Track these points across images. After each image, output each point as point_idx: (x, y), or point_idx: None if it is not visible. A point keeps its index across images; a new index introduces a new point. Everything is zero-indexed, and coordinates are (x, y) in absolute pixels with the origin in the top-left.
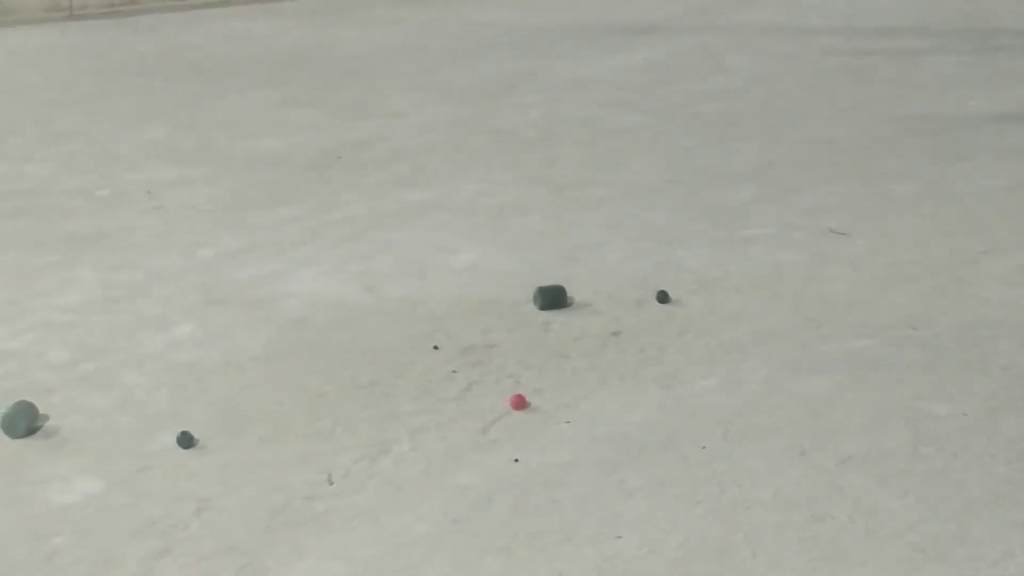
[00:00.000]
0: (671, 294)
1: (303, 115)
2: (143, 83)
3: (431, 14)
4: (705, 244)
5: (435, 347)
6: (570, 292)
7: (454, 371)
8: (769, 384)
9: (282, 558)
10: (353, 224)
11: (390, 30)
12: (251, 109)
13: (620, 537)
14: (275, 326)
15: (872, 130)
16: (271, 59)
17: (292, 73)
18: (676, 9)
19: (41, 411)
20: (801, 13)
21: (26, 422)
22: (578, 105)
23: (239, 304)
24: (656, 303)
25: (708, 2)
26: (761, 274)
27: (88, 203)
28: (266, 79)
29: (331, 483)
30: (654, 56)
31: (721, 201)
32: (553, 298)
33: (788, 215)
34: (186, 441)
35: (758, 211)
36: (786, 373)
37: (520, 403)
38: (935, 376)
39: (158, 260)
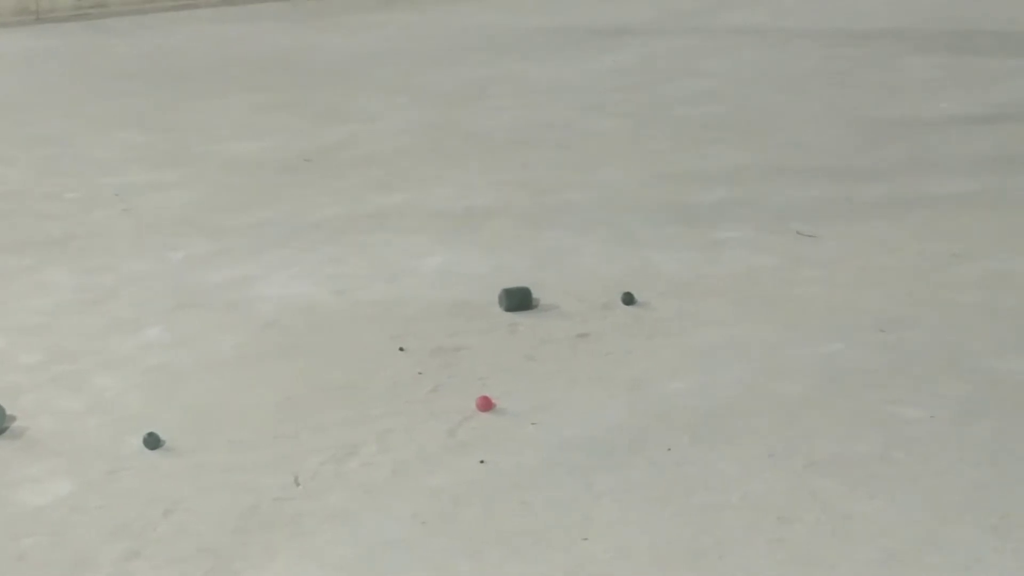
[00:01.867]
0: (642, 297)
1: (277, 119)
2: (117, 87)
3: (407, 18)
4: (677, 247)
5: (400, 348)
6: (541, 295)
7: (421, 373)
8: (739, 387)
9: (252, 560)
10: (326, 227)
11: (366, 34)
12: (225, 113)
13: (588, 540)
14: (246, 329)
15: (845, 133)
16: (245, 63)
17: (266, 77)
18: (651, 13)
19: (13, 412)
20: (776, 16)
21: None
22: (553, 109)
23: (211, 307)
24: (622, 305)
25: (683, 5)
26: (733, 277)
27: (62, 206)
28: (240, 83)
29: (298, 484)
30: (629, 60)
31: (694, 204)
32: (519, 300)
33: (761, 218)
34: (152, 442)
35: (731, 214)
36: (756, 376)
37: (487, 405)
38: (906, 380)
39: (131, 263)
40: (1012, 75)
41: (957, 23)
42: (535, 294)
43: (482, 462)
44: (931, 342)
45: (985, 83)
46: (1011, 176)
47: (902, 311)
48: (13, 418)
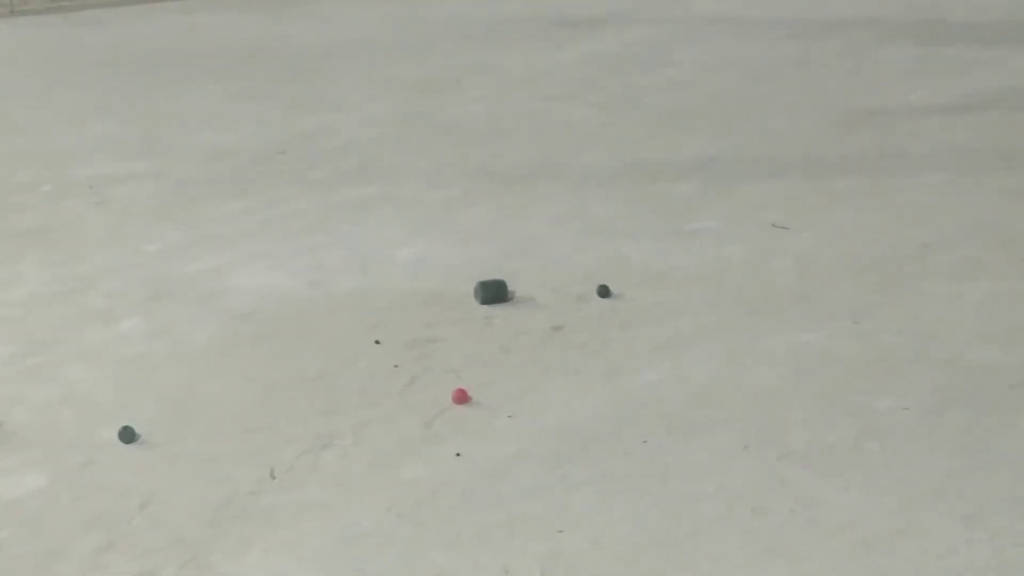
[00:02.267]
0: (616, 288)
1: (251, 109)
2: (90, 77)
3: (379, 7)
4: (651, 237)
5: (376, 341)
6: (515, 286)
7: (397, 365)
8: (713, 378)
9: (228, 552)
10: (300, 218)
11: (338, 24)
12: (199, 103)
13: (564, 531)
14: (221, 320)
15: (818, 123)
16: (219, 53)
17: (240, 67)
18: (625, 2)
19: None
20: (749, 5)
21: None
22: (526, 98)
23: (185, 298)
24: (597, 297)
25: None
26: (706, 267)
27: (35, 197)
28: (214, 73)
29: (273, 477)
30: (602, 49)
31: (667, 194)
32: (494, 292)
33: (734, 208)
34: (128, 436)
35: (704, 204)
36: (730, 367)
37: (462, 397)
38: (878, 370)
39: (105, 254)
40: (983, 65)
41: (928, 12)
42: (510, 285)
43: (458, 454)
44: (903, 332)
45: (956, 73)
46: (982, 166)
47: (875, 301)
48: None
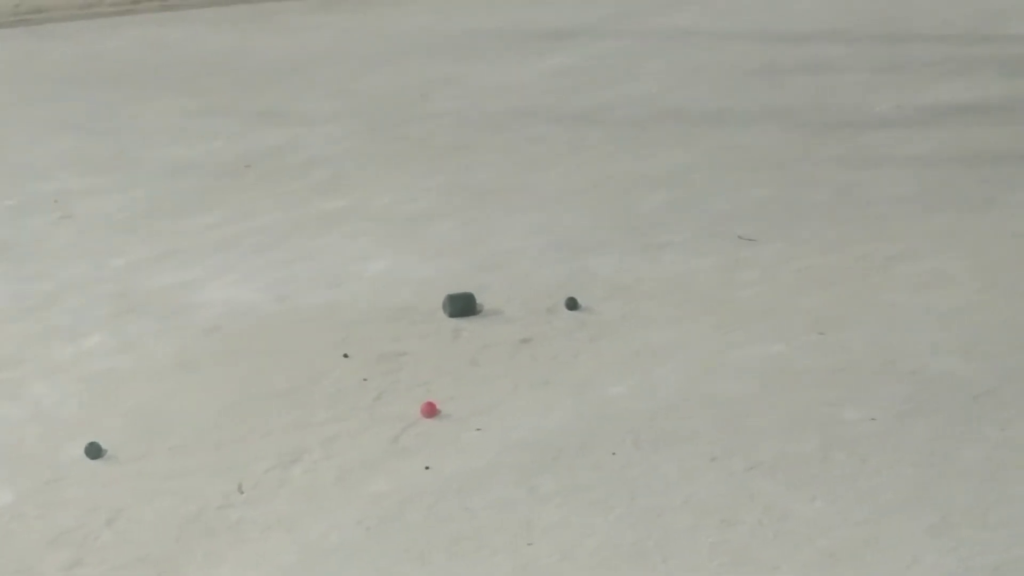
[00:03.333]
0: (584, 301)
1: (217, 123)
2: (55, 91)
3: (344, 21)
4: (619, 250)
5: (345, 355)
6: (483, 300)
7: (365, 379)
8: (681, 390)
9: (196, 568)
10: (267, 232)
11: (306, 37)
12: (164, 117)
13: (532, 544)
14: (188, 335)
15: (784, 136)
16: (184, 66)
17: (206, 80)
18: (592, 15)
19: None
20: (716, 19)
21: None
22: (494, 112)
23: (151, 313)
24: (566, 310)
25: (624, 7)
26: (674, 280)
27: None
28: (180, 87)
29: (241, 492)
30: (570, 62)
31: (635, 207)
32: (462, 305)
33: (701, 221)
34: (94, 451)
35: (671, 217)
36: (698, 379)
37: (431, 411)
38: (845, 381)
39: (70, 269)
40: (947, 77)
41: (893, 25)
42: (478, 298)
43: (427, 468)
44: (870, 343)
45: (921, 85)
46: (947, 178)
47: (841, 313)
48: None
